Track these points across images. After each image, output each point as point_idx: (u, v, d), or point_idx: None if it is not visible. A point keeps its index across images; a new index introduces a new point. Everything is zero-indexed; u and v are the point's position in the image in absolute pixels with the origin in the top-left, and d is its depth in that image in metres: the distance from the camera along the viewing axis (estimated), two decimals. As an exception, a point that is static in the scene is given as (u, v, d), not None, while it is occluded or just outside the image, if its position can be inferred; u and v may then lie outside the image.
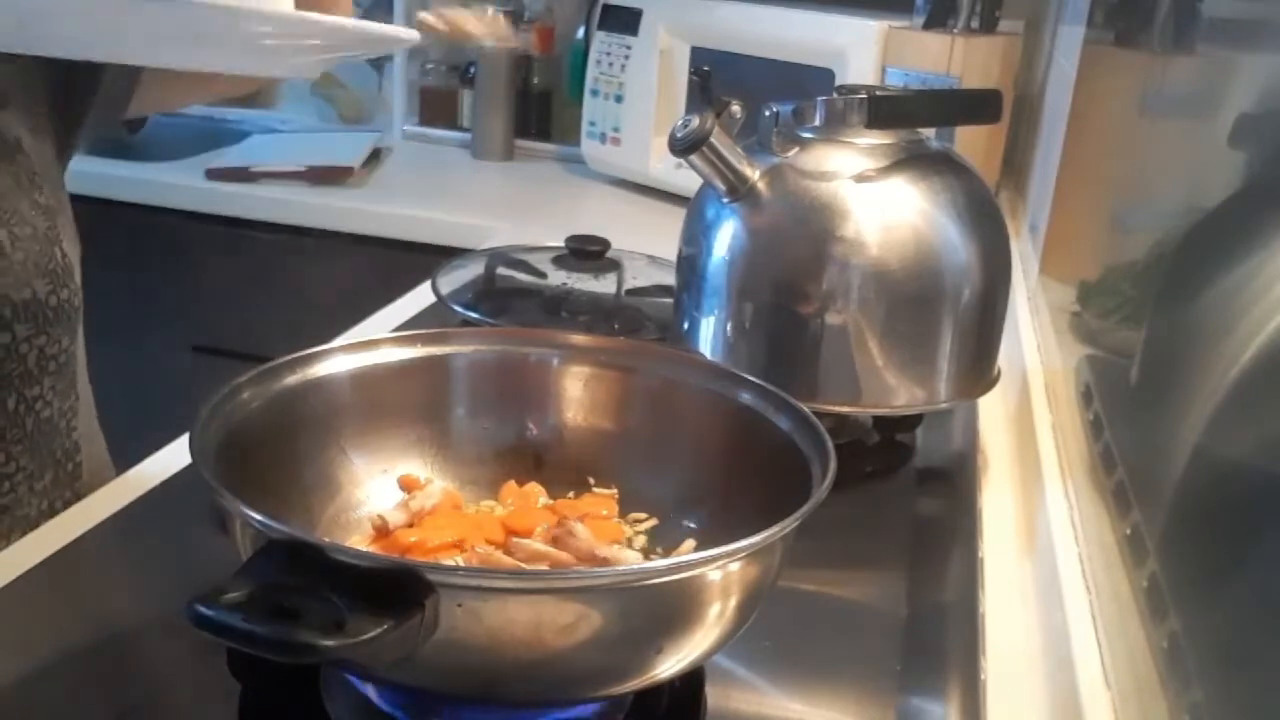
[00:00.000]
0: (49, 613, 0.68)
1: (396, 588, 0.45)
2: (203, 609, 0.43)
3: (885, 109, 0.87)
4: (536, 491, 0.69)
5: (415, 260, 1.49)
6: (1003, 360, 0.94)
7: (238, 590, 0.44)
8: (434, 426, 0.70)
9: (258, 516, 0.49)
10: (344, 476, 0.67)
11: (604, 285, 1.15)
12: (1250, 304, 0.53)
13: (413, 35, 0.67)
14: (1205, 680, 0.48)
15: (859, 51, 1.56)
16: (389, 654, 0.44)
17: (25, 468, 0.79)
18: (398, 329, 1.15)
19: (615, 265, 1.17)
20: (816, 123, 0.88)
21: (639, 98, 1.78)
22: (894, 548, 0.80)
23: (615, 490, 0.69)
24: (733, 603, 0.52)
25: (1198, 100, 0.76)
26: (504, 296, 1.17)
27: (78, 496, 0.82)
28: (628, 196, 1.82)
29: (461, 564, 0.59)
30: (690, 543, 0.65)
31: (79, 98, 0.85)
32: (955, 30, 1.58)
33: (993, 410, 1.02)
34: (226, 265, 1.78)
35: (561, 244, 1.17)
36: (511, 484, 0.69)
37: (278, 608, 0.44)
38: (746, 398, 0.66)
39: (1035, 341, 1.13)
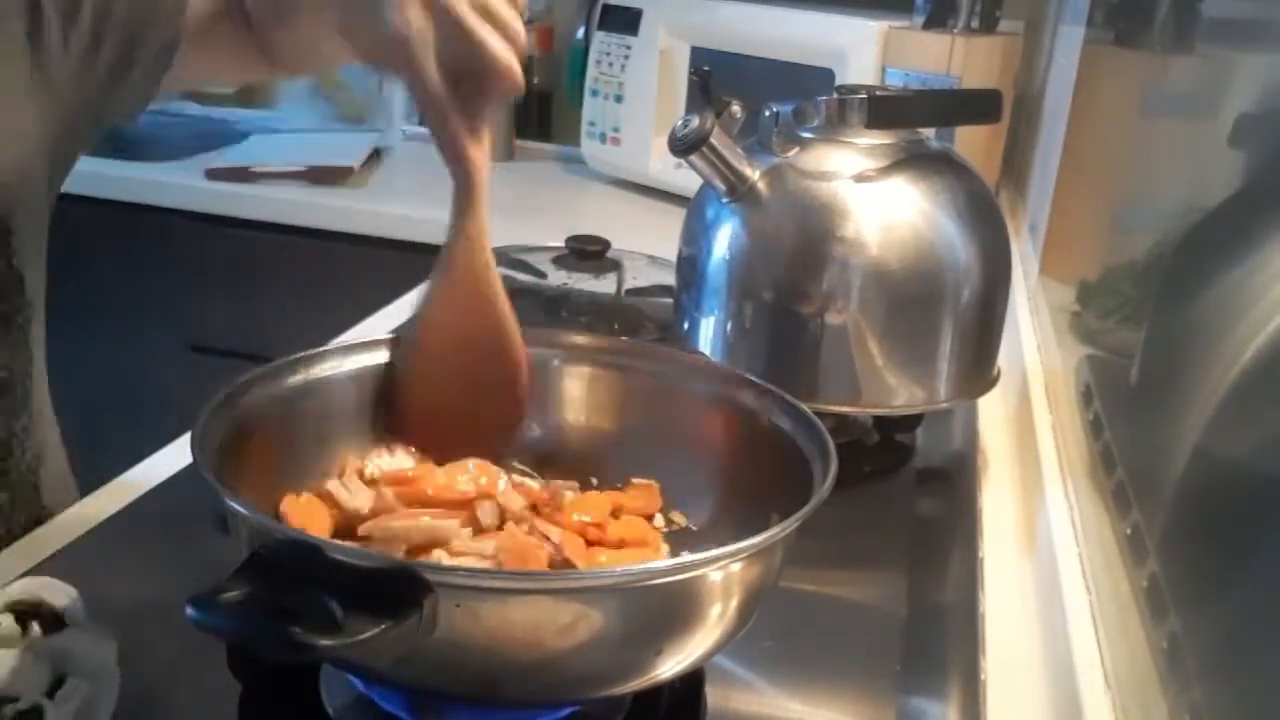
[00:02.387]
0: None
1: (395, 587, 0.45)
2: (201, 608, 0.43)
3: (885, 109, 0.87)
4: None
5: (415, 260, 1.49)
6: (1003, 360, 0.94)
7: (236, 589, 0.44)
8: (434, 426, 0.70)
9: (254, 515, 0.50)
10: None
11: (604, 285, 1.15)
12: (1250, 304, 0.53)
13: None
14: (1205, 680, 0.48)
15: (859, 51, 1.56)
16: (387, 654, 0.44)
17: None
18: (398, 329, 1.15)
19: (615, 265, 1.17)
20: (816, 123, 0.88)
21: (639, 98, 1.78)
22: (894, 548, 0.80)
23: (656, 482, 0.68)
24: (733, 603, 0.52)
25: (1198, 100, 0.76)
26: (504, 296, 1.17)
27: (37, 520, 0.80)
28: (628, 196, 1.82)
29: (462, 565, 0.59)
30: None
31: (81, 134, 0.83)
32: (955, 30, 1.58)
33: (993, 410, 1.02)
34: (227, 265, 1.78)
35: (561, 244, 1.17)
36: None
37: (276, 607, 0.44)
38: (747, 398, 0.66)
39: (1035, 341, 1.13)
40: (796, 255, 0.85)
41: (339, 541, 0.58)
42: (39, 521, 0.79)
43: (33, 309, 0.80)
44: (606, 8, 1.81)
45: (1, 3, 0.75)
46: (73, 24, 0.78)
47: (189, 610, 0.43)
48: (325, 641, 0.43)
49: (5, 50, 0.75)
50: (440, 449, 0.66)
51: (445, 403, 0.68)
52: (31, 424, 0.81)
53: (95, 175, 1.75)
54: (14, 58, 0.75)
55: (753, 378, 0.67)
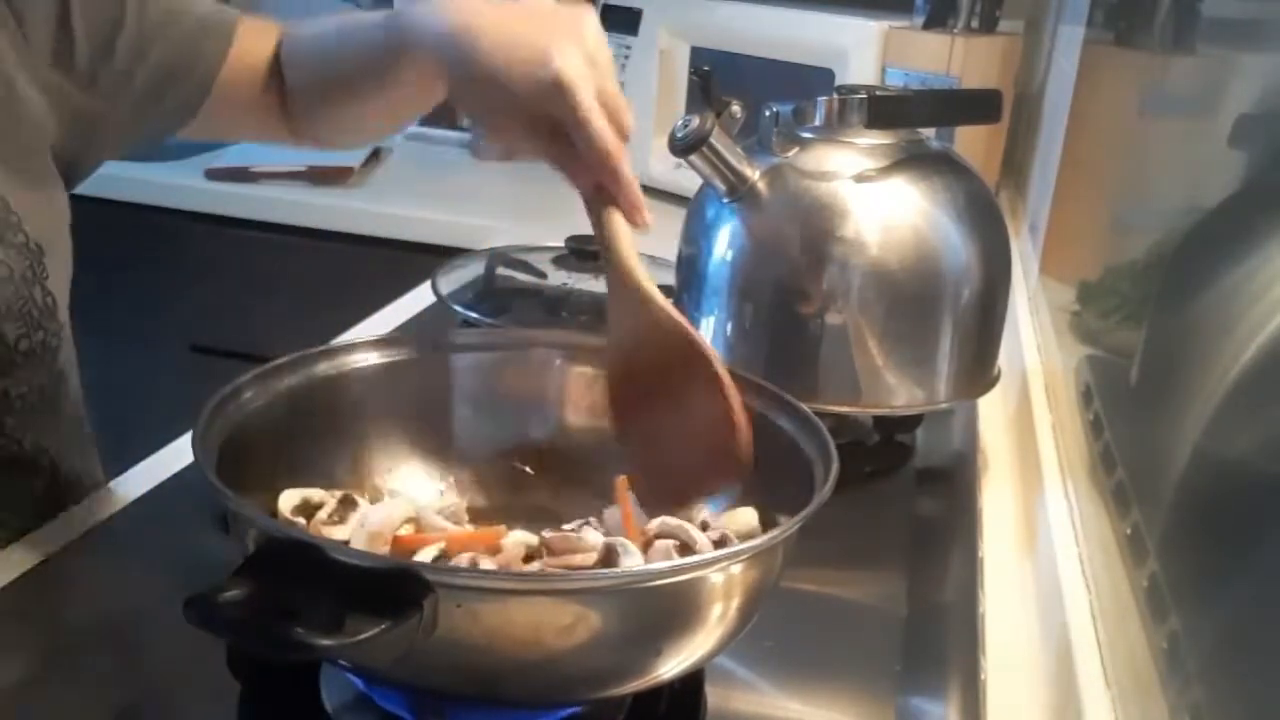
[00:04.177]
0: (49, 612, 0.68)
1: (395, 587, 0.45)
2: (200, 606, 0.43)
3: (885, 109, 0.87)
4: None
5: (415, 260, 1.49)
6: (1003, 360, 0.94)
7: (237, 589, 0.44)
8: (436, 427, 0.70)
9: (256, 515, 0.50)
10: (346, 477, 0.67)
11: (604, 285, 1.14)
12: (1250, 304, 0.53)
13: None
14: (1205, 680, 0.48)
15: (859, 51, 1.56)
16: (386, 653, 0.44)
17: None
18: (398, 329, 1.15)
19: (615, 265, 1.17)
20: (816, 123, 0.88)
21: (639, 98, 1.77)
22: (894, 548, 0.80)
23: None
24: (734, 605, 0.52)
25: (1198, 100, 0.76)
26: (504, 296, 1.17)
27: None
28: (628, 196, 1.82)
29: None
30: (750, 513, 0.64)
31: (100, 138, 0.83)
32: (955, 30, 1.58)
33: (993, 410, 1.02)
34: (226, 265, 1.78)
35: (561, 244, 1.17)
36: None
37: (276, 607, 0.44)
38: (748, 398, 0.66)
39: (1035, 341, 1.13)
40: (796, 255, 0.85)
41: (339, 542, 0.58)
42: None
43: (65, 329, 0.80)
44: (606, 8, 1.81)
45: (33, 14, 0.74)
46: (105, 59, 0.78)
47: (187, 607, 0.43)
48: (325, 641, 0.43)
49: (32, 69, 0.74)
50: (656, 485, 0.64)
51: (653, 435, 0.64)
52: (64, 440, 0.81)
53: (95, 175, 1.75)
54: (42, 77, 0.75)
55: (753, 378, 0.67)
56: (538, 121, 0.64)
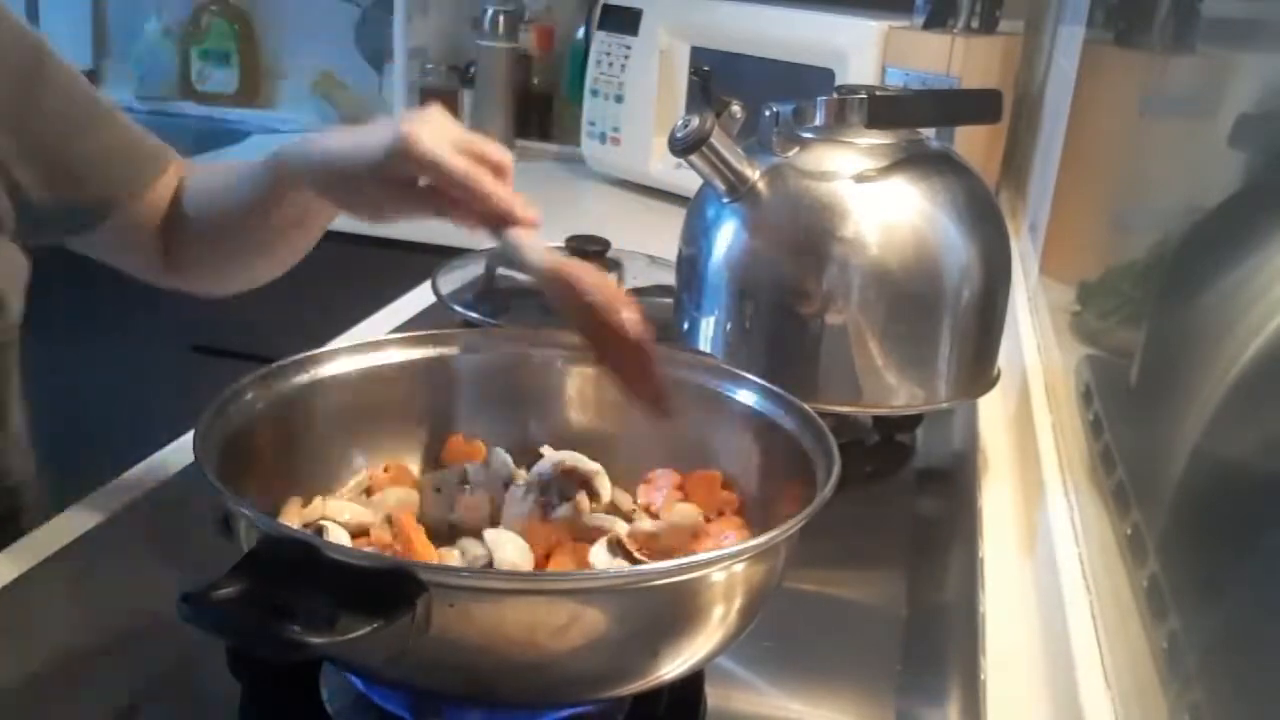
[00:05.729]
0: (49, 612, 0.68)
1: (389, 587, 0.45)
2: (194, 603, 0.43)
3: (885, 109, 0.87)
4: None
5: (415, 260, 1.49)
6: (1003, 360, 0.94)
7: (231, 586, 0.44)
8: (437, 427, 0.70)
9: (255, 514, 0.50)
10: (346, 477, 0.67)
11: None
12: (1250, 304, 0.53)
13: None
14: (1205, 680, 0.48)
15: (859, 51, 1.56)
16: (379, 652, 0.44)
17: None
18: (398, 329, 1.15)
19: (615, 265, 1.17)
20: (816, 123, 0.88)
21: (639, 98, 1.77)
22: (894, 548, 0.80)
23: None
24: (736, 605, 0.52)
25: (1198, 100, 0.76)
26: (504, 296, 1.17)
27: (19, 530, 0.80)
28: (628, 196, 1.82)
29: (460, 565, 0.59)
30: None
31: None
32: (955, 30, 1.58)
33: (993, 410, 1.02)
34: (227, 265, 1.78)
35: (561, 244, 1.17)
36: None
37: (270, 604, 0.44)
38: (750, 398, 0.66)
39: (1035, 341, 1.13)
40: (796, 255, 0.85)
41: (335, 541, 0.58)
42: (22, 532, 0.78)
43: (12, 331, 0.79)
44: (606, 8, 1.81)
45: None
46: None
47: (182, 606, 0.43)
48: (317, 639, 0.43)
49: None
50: None
51: None
52: (10, 447, 0.80)
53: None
54: None
55: (755, 378, 0.67)
56: (406, 190, 0.67)
